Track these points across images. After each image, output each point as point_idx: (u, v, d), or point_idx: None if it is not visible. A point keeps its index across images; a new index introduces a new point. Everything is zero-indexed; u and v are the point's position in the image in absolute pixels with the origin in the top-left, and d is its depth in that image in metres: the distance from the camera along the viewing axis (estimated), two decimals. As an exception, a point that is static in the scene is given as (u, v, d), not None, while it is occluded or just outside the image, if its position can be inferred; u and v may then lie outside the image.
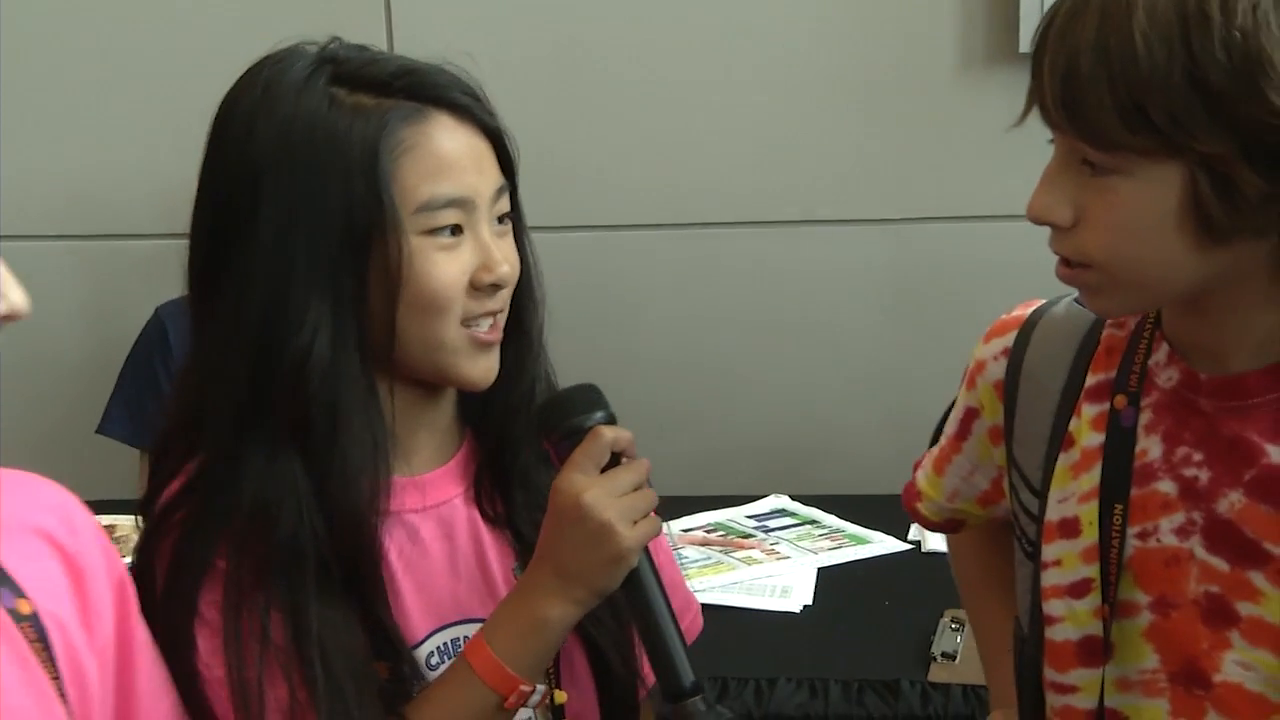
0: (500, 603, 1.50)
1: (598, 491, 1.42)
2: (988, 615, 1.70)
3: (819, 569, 2.57)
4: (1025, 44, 2.93)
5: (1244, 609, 1.34)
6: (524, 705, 1.46)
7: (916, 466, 1.69)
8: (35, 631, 1.22)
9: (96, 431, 3.00)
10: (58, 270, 3.25)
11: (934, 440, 1.68)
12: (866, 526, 2.73)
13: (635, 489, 1.44)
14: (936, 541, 2.49)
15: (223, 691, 1.41)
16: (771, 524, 2.78)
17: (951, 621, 2.26)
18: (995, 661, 1.67)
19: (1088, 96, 1.25)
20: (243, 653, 1.41)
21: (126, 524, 2.76)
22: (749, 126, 3.10)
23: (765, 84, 3.09)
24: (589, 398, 1.48)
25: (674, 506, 2.88)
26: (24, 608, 1.22)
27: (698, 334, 3.18)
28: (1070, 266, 1.34)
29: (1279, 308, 1.33)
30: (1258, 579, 1.34)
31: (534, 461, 1.56)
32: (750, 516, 2.81)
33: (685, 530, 2.74)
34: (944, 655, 2.20)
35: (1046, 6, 2.80)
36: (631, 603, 1.46)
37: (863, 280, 3.13)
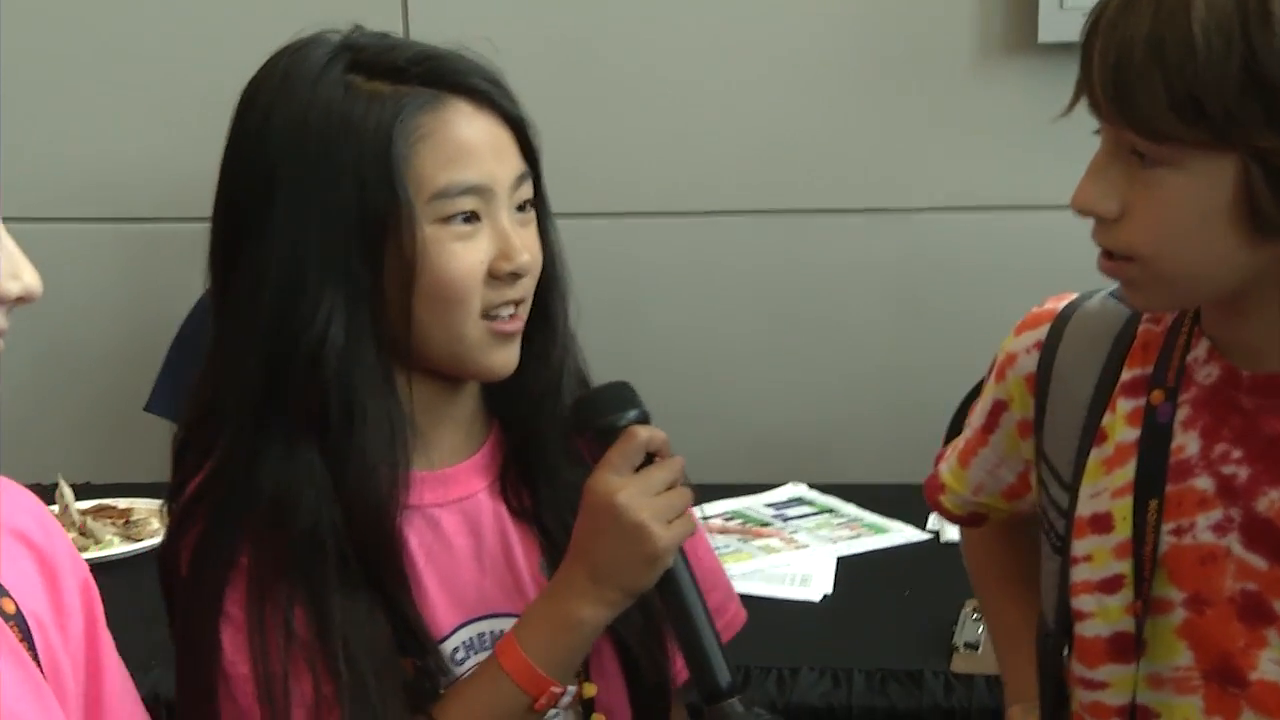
0: (532, 603, 1.50)
1: (632, 491, 1.41)
2: (1004, 610, 1.69)
3: (838, 558, 2.57)
4: (1044, 34, 2.94)
5: None
6: (554, 706, 1.46)
7: (939, 459, 1.68)
8: (20, 630, 1.22)
9: (144, 409, 3.01)
10: (94, 253, 3.25)
11: (950, 431, 1.67)
12: (884, 515, 2.74)
13: (669, 487, 1.44)
14: (955, 532, 2.49)
15: (248, 688, 1.41)
16: (790, 512, 2.78)
17: (973, 612, 2.25)
18: (1011, 656, 1.67)
19: (1141, 87, 1.25)
20: (267, 647, 1.40)
21: (144, 507, 2.78)
22: (766, 114, 3.10)
23: (783, 72, 3.09)
24: (622, 395, 1.48)
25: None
26: (8, 606, 1.22)
27: (714, 322, 3.18)
28: (1112, 259, 1.33)
29: None
30: None
31: (561, 455, 1.56)
32: (768, 505, 2.81)
33: (703, 518, 2.73)
34: (966, 645, 2.20)
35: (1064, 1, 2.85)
36: (666, 602, 1.46)
37: (881, 269, 3.13)
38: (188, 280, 2.96)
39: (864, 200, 3.12)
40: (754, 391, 3.19)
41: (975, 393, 1.66)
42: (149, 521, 2.71)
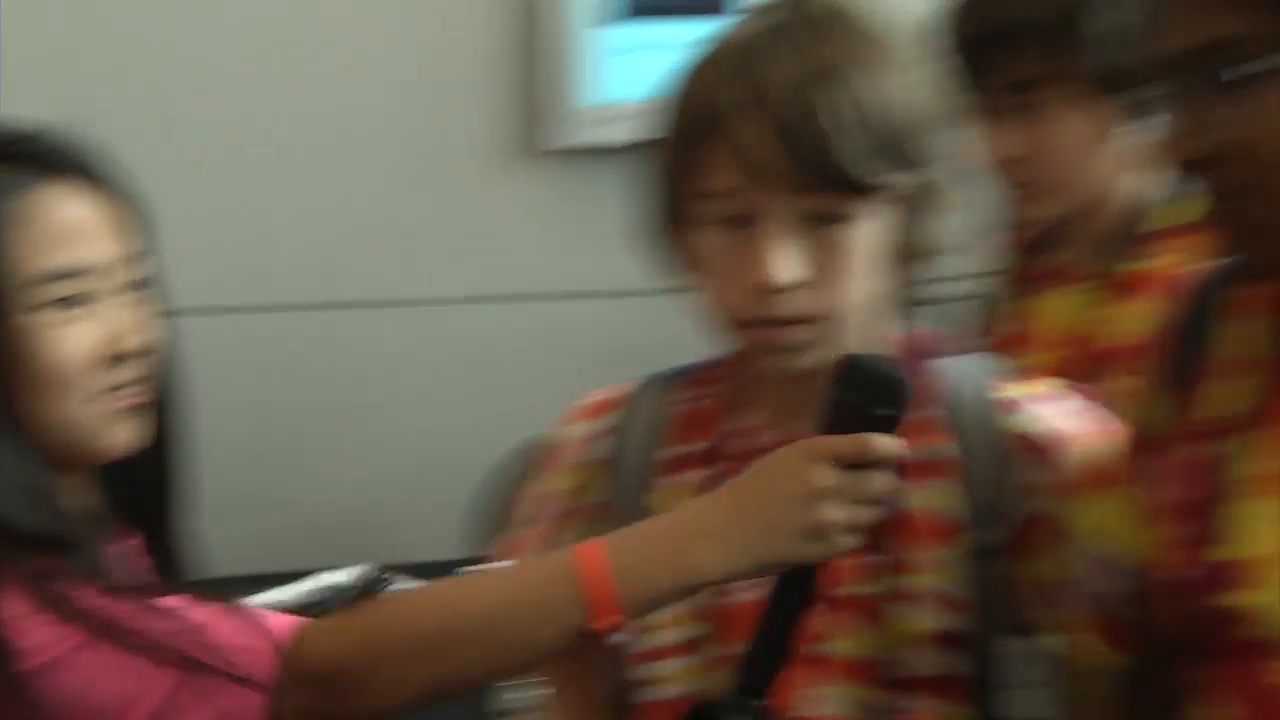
0: (642, 524, 1.36)
1: (834, 486, 1.29)
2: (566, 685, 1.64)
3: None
4: (548, 142, 3.15)
5: (825, 648, 1.46)
6: (602, 641, 1.32)
7: (503, 554, 1.64)
8: None
9: None
10: None
11: (483, 526, 1.67)
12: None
13: (877, 497, 1.32)
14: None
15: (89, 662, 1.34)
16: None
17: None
18: None
19: (855, 152, 1.38)
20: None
21: None
22: (308, 205, 3.18)
23: (336, 161, 3.17)
24: (892, 385, 1.33)
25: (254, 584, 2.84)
26: None
27: (265, 415, 3.20)
28: (788, 325, 1.41)
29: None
30: (831, 620, 1.45)
31: (184, 538, 1.57)
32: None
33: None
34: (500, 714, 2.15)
35: (565, 111, 3.04)
36: (782, 586, 1.33)
37: (422, 359, 3.23)
38: None
39: (406, 293, 3.23)
40: (318, 478, 3.24)
41: (507, 489, 1.69)
42: None
